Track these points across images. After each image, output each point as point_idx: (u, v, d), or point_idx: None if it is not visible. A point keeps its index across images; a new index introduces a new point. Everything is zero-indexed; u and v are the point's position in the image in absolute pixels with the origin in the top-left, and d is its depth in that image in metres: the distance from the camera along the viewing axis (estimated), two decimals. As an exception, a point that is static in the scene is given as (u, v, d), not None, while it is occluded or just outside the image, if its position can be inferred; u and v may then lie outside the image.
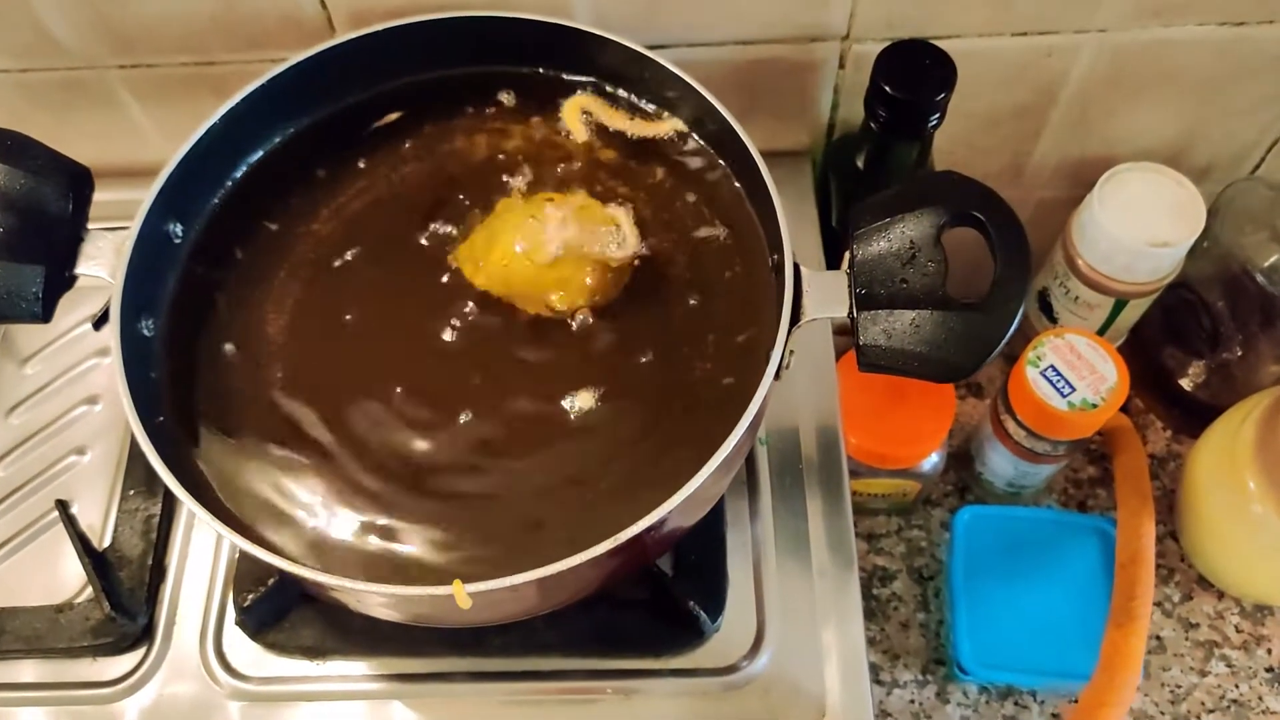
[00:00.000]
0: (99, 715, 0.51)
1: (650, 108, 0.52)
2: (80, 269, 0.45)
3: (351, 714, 0.51)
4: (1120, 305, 0.63)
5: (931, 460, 0.63)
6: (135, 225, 0.45)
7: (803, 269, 0.43)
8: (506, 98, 0.53)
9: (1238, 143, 0.65)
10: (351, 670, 0.51)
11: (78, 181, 0.45)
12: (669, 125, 0.52)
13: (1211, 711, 0.63)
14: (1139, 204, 0.60)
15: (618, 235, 0.48)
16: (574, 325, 0.47)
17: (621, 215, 0.49)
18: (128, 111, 0.62)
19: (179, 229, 0.48)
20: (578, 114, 0.52)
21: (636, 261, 0.48)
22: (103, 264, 0.45)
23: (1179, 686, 0.63)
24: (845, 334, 0.44)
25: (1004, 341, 0.40)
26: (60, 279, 0.44)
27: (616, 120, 0.52)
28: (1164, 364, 0.70)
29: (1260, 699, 0.63)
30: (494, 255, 0.47)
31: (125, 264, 0.44)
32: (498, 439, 0.45)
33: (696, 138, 0.51)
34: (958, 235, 0.42)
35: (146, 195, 0.46)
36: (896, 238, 0.42)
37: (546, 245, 0.46)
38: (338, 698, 0.51)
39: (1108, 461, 0.69)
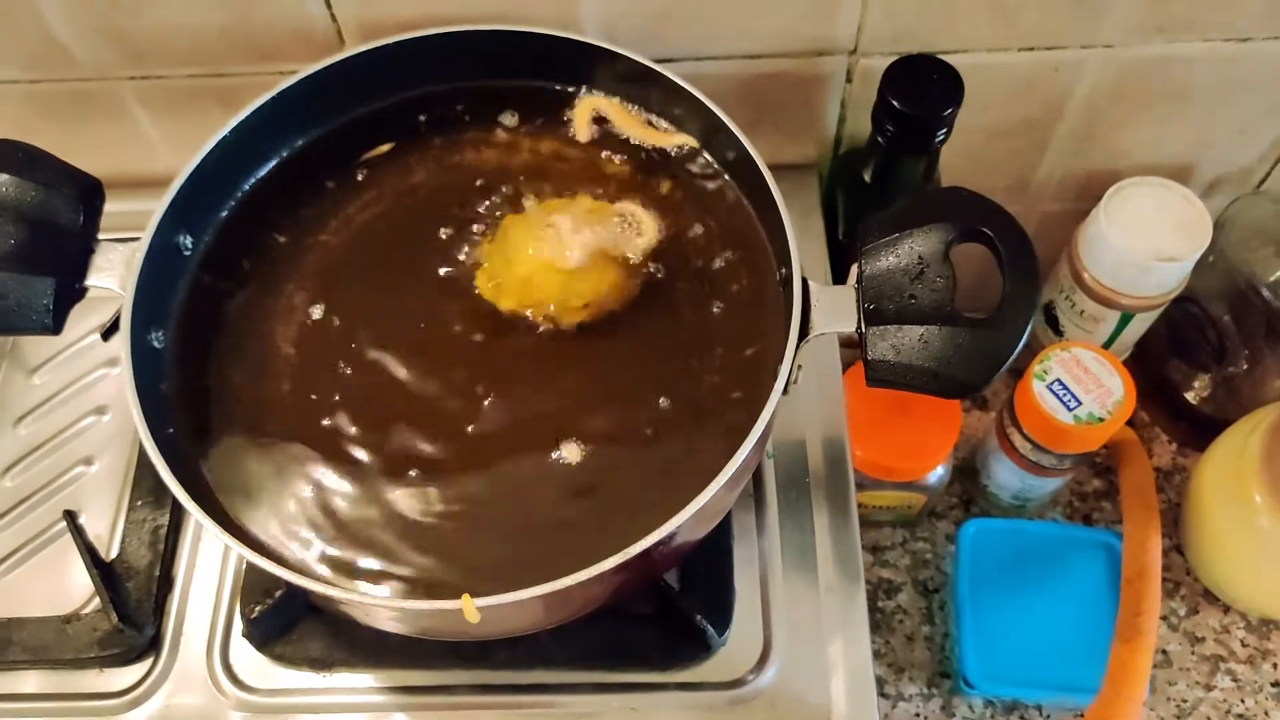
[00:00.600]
0: (105, 726, 0.51)
1: (658, 121, 0.52)
2: (91, 281, 0.45)
3: (356, 726, 0.51)
4: (1126, 319, 0.63)
5: (937, 473, 0.63)
6: (146, 237, 0.45)
7: (811, 284, 0.43)
8: (515, 111, 0.53)
9: (1244, 157, 0.65)
10: (357, 682, 0.51)
11: (88, 193, 0.46)
12: (676, 138, 0.52)
13: (1217, 726, 0.63)
14: (1145, 218, 0.60)
15: (635, 227, 0.48)
16: (582, 338, 0.47)
17: (632, 207, 0.49)
18: (137, 123, 0.62)
19: (189, 241, 0.49)
20: (589, 117, 0.52)
21: (650, 265, 0.49)
22: (113, 276, 0.45)
23: (1185, 701, 0.63)
24: (852, 346, 0.44)
25: (1012, 357, 0.40)
26: (71, 291, 0.44)
27: (628, 125, 0.52)
28: (1170, 378, 0.70)
29: (1266, 714, 0.63)
30: (516, 271, 0.47)
31: (136, 276, 0.44)
32: (509, 453, 0.45)
33: (703, 151, 0.51)
34: (965, 250, 0.42)
35: (157, 207, 0.46)
36: (905, 253, 0.42)
37: (568, 251, 0.46)
38: (343, 710, 0.51)
39: (1113, 475, 0.69)
